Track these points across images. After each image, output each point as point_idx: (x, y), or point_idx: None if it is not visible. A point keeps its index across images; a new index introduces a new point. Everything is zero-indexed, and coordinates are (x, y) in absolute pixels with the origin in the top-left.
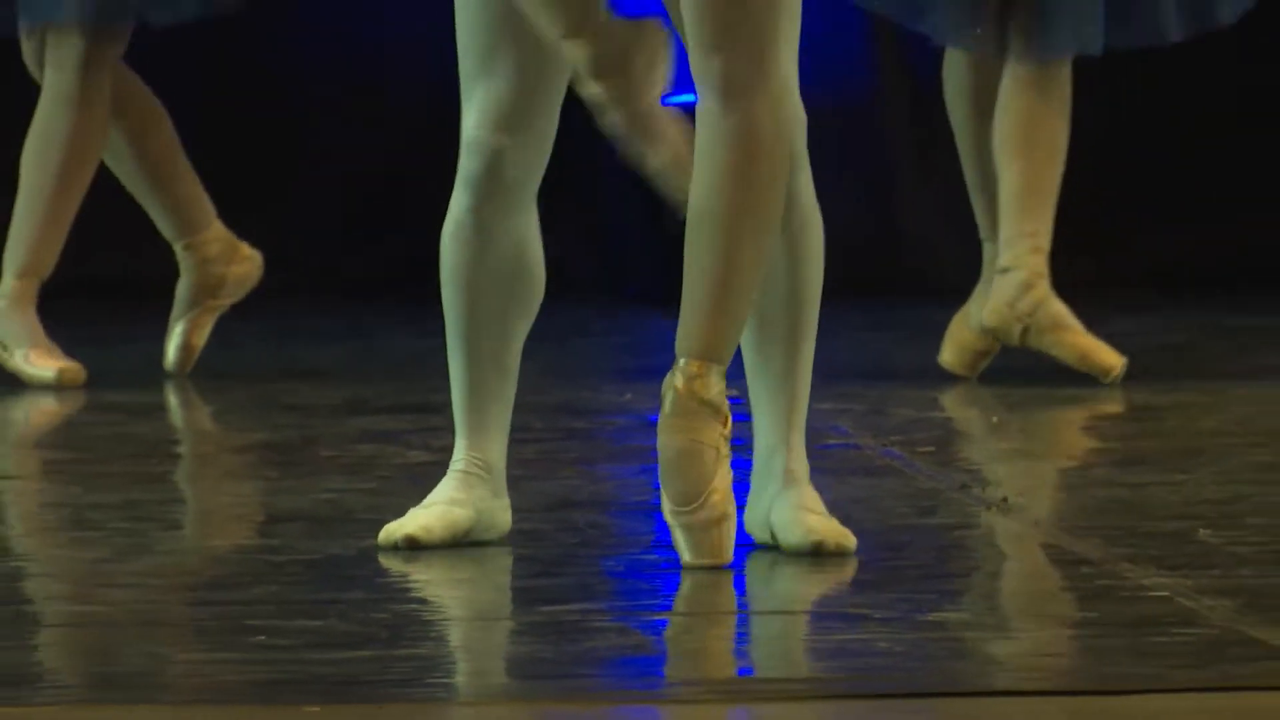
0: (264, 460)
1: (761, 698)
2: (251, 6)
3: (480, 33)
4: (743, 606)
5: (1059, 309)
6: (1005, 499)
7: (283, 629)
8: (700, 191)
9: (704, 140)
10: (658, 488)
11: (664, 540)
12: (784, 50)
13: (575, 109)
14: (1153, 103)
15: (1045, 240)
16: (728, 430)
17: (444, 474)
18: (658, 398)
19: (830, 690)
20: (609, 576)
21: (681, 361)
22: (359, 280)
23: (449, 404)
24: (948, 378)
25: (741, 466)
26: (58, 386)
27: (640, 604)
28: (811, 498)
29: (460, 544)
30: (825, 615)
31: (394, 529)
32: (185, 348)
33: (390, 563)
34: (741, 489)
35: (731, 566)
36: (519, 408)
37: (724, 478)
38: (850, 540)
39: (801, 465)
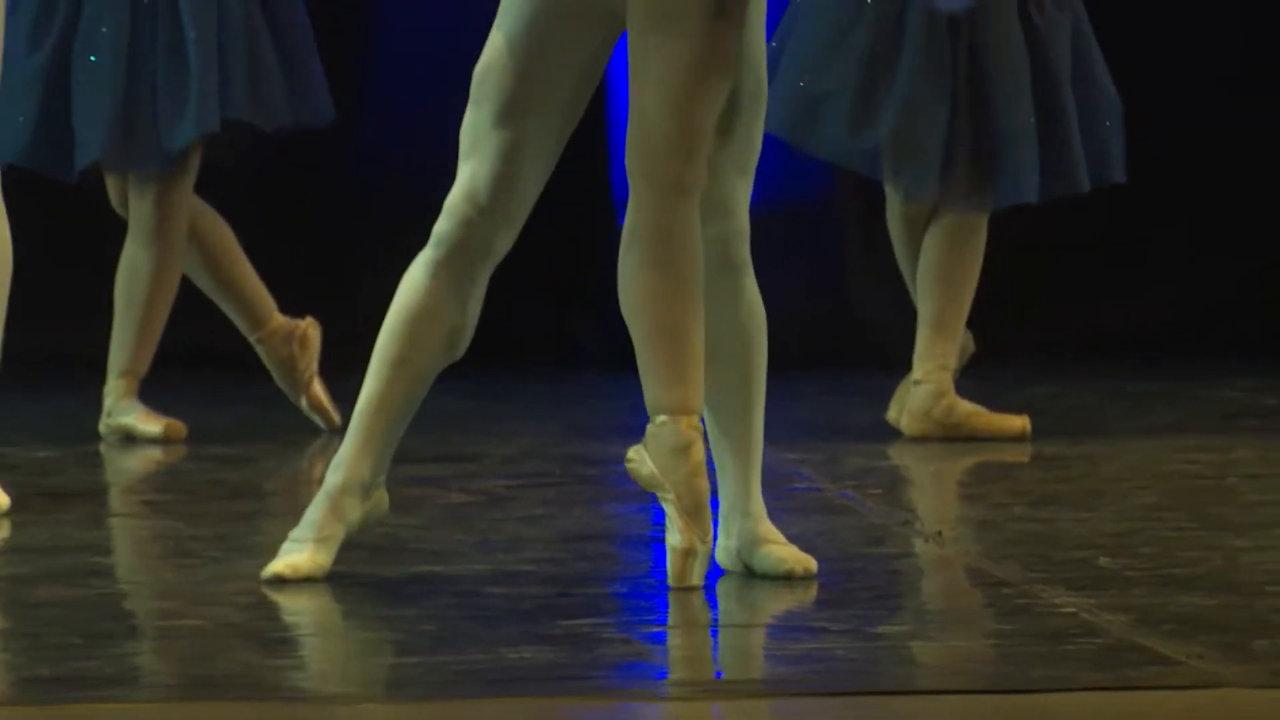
0: None
1: (739, 695)
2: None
3: (488, 120)
4: (723, 621)
5: (964, 405)
6: (940, 533)
7: (346, 638)
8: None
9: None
10: (657, 522)
11: (660, 567)
12: None
13: (593, 196)
14: (1073, 208)
15: (951, 360)
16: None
17: (479, 513)
18: None
19: (795, 689)
20: (615, 597)
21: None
22: None
23: (484, 454)
24: (893, 433)
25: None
26: (163, 440)
27: (641, 619)
28: (773, 531)
29: (489, 570)
30: (791, 628)
31: (271, 566)
32: (317, 410)
33: (432, 587)
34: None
35: (711, 587)
36: (543, 457)
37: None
38: (812, 564)
39: (761, 506)
